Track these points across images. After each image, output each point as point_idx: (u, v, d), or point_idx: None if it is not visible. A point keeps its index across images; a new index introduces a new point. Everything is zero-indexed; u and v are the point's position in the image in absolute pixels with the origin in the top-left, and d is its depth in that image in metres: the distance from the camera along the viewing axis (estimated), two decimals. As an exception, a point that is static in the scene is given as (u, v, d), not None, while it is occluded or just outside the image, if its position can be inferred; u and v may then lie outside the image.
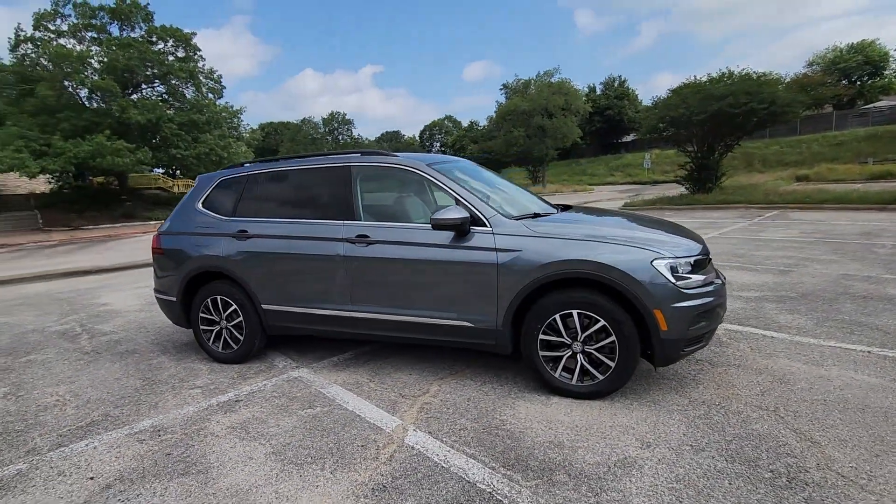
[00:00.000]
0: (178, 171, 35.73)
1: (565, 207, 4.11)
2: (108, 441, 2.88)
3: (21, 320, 6.17)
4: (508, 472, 2.35)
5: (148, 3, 28.47)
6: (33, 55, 25.99)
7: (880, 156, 27.83)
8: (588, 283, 2.98)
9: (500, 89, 45.38)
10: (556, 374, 3.08)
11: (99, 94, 25.65)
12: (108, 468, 2.59)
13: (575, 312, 2.96)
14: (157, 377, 3.88)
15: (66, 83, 24.88)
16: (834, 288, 5.32)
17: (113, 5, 27.52)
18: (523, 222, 3.21)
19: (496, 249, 3.11)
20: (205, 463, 2.59)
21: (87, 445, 2.84)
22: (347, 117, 60.71)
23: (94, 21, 27.57)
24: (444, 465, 2.43)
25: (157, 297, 4.43)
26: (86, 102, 26.38)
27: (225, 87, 32.29)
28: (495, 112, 43.52)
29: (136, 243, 15.84)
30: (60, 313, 6.43)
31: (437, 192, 3.85)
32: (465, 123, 74.66)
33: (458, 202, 3.31)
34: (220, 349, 4.07)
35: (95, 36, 27.97)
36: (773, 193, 16.27)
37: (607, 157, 52.58)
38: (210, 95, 31.27)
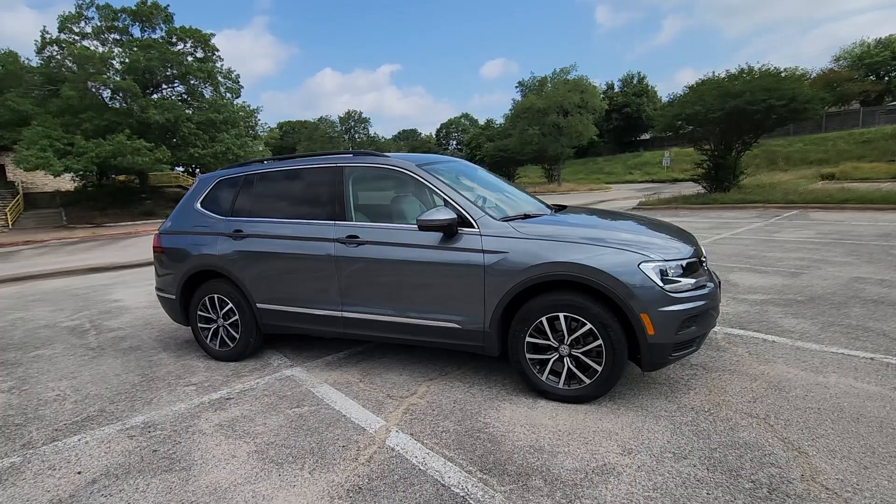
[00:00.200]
0: (198, 170, 36.41)
1: (560, 208, 4.07)
2: (100, 436, 2.95)
3: (36, 315, 6.36)
4: (484, 477, 2.33)
5: (168, 5, 29.08)
6: (59, 57, 26.77)
7: (909, 154, 26.90)
8: (575, 286, 2.94)
9: (516, 87, 45.16)
10: (543, 378, 3.05)
11: (121, 94, 26.29)
12: (96, 463, 2.65)
13: (562, 315, 2.93)
14: (156, 374, 3.96)
15: (90, 84, 25.53)
16: (844, 291, 5.16)
17: (134, 7, 28.15)
18: (511, 223, 3.18)
19: (483, 251, 3.09)
20: (189, 460, 2.63)
21: (79, 440, 2.92)
22: (364, 116, 61.03)
23: (116, 23, 28.26)
24: (422, 468, 2.43)
25: (158, 295, 4.52)
26: (108, 102, 27.05)
27: (242, 87, 32.79)
28: (511, 110, 43.30)
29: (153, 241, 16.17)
30: (73, 309, 6.61)
31: (427, 193, 3.84)
32: (481, 121, 74.46)
33: (446, 203, 3.30)
34: (217, 347, 4.14)
35: (118, 37, 28.67)
36: (792, 193, 15.86)
37: (625, 155, 51.87)
38: (228, 95, 31.80)
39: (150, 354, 4.45)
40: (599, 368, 2.90)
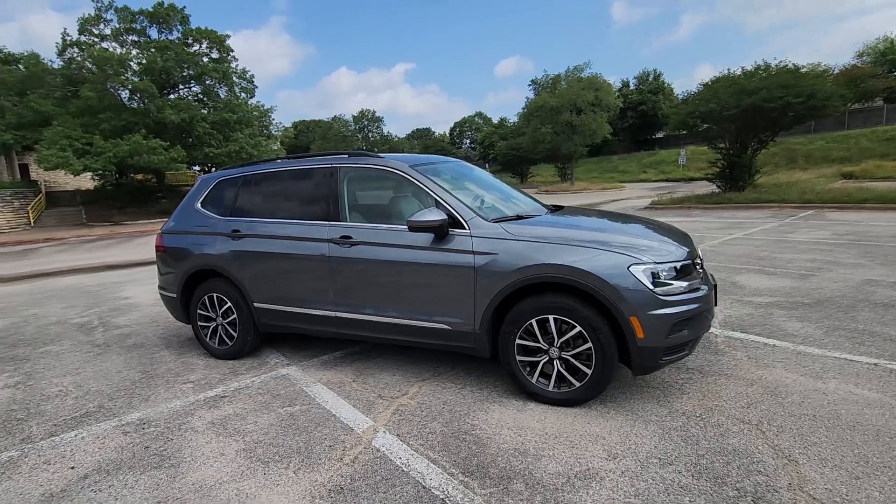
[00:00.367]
0: (214, 169, 36.98)
1: (556, 208, 4.03)
2: (96, 432, 3.01)
3: (48, 312, 6.52)
4: (466, 479, 2.33)
5: (185, 7, 29.54)
6: (79, 59, 27.37)
7: (934, 152, 26.08)
8: (565, 288, 2.92)
9: (529, 85, 44.91)
10: (533, 380, 3.03)
11: (138, 94, 26.80)
12: (89, 458, 2.71)
13: (551, 317, 2.90)
14: (156, 371, 4.03)
15: (108, 85, 26.07)
16: (854, 294, 5.02)
17: (151, 9, 28.64)
18: (502, 225, 3.16)
19: (473, 252, 3.08)
20: (178, 457, 2.67)
21: (76, 436, 2.98)
22: (377, 115, 61.29)
23: (134, 25, 28.80)
24: (405, 469, 2.43)
25: (160, 294, 4.60)
26: (126, 103, 27.59)
27: (257, 87, 33.15)
28: (524, 108, 43.06)
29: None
30: (84, 306, 6.76)
31: (422, 194, 3.84)
32: (495, 120, 74.24)
33: (437, 204, 3.29)
34: (216, 345, 4.20)
35: (136, 39, 29.22)
36: (809, 192, 15.49)
37: (640, 153, 51.14)
38: (242, 95, 32.18)
39: (153, 352, 4.53)
40: (589, 371, 2.87)
